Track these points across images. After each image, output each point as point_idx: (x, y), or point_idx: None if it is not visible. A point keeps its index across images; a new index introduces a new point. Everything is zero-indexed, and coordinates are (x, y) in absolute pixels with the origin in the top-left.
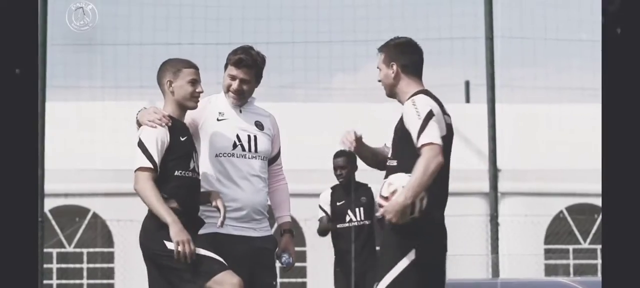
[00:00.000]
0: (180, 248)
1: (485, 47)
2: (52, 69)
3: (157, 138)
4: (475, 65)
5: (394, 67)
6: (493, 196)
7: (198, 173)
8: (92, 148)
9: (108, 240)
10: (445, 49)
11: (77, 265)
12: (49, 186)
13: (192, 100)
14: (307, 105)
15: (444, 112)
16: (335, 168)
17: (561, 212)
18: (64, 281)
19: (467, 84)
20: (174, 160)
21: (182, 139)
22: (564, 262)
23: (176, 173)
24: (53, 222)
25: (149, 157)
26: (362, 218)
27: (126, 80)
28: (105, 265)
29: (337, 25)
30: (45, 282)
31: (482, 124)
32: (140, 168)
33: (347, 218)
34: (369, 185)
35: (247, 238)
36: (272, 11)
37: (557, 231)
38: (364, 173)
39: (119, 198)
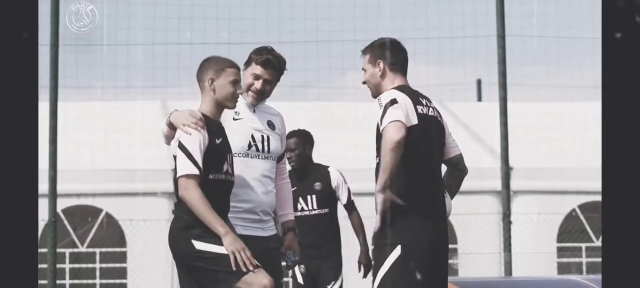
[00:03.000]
0: (238, 257)
1: (497, 45)
2: (64, 70)
3: (199, 141)
4: (487, 63)
5: (381, 64)
6: (505, 194)
7: (231, 174)
8: (104, 149)
9: (120, 240)
10: (457, 47)
11: (90, 265)
12: (61, 186)
13: (232, 100)
14: (319, 105)
15: (419, 104)
16: (286, 150)
17: (573, 210)
18: (76, 281)
19: (479, 82)
20: (209, 163)
21: (218, 141)
22: (577, 260)
23: (210, 176)
24: (65, 222)
25: (194, 163)
26: (315, 206)
27: (139, 80)
28: (117, 265)
29: (349, 23)
30: (58, 282)
31: (494, 122)
32: (187, 176)
33: (299, 207)
34: (330, 168)
35: (258, 239)
36: (284, 10)
37: (569, 229)
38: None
39: (131, 198)
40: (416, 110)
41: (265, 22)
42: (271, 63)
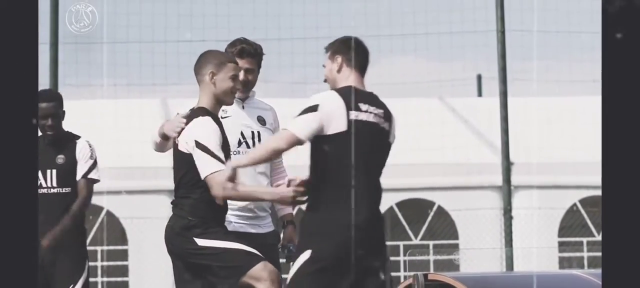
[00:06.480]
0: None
1: (497, 40)
2: (64, 68)
3: (216, 136)
4: (487, 58)
5: (339, 60)
6: (506, 189)
7: None
8: (104, 147)
9: (122, 238)
10: (456, 43)
11: (92, 263)
12: None
13: (230, 96)
14: None
15: (356, 109)
16: (43, 116)
17: (575, 204)
18: None
19: (479, 77)
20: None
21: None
22: (578, 254)
23: None
24: None
25: (218, 159)
26: (54, 183)
27: (138, 78)
28: (119, 263)
29: (348, 20)
30: None
31: (495, 117)
32: (216, 173)
33: (41, 183)
34: (79, 139)
35: (254, 235)
36: (283, 6)
37: (570, 224)
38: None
39: (132, 196)
40: (348, 115)
41: (265, 19)
42: (247, 51)
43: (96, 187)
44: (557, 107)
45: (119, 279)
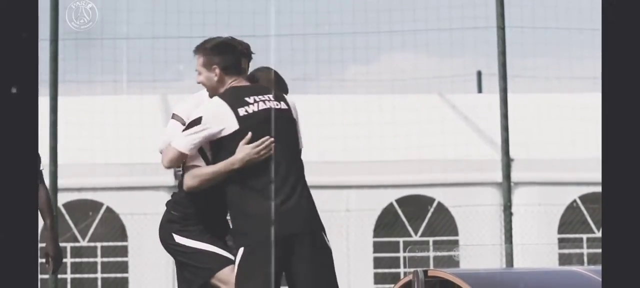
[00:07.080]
0: (260, 148)
1: (497, 36)
2: (64, 64)
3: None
4: (487, 55)
5: (216, 70)
6: (506, 186)
7: None
8: (104, 143)
9: (122, 234)
10: (456, 39)
11: (91, 259)
12: (62, 181)
13: None
14: (319, 97)
15: (243, 104)
16: None
17: (574, 201)
18: (78, 275)
19: (479, 74)
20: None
21: None
22: (578, 251)
23: None
24: (67, 217)
25: (204, 157)
26: None
27: (138, 74)
28: (119, 259)
29: (348, 16)
30: (59, 276)
31: (495, 114)
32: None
33: None
34: None
35: None
36: (283, 3)
37: (570, 220)
38: None
39: (132, 192)
40: (237, 114)
41: (264, 16)
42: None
43: (97, 182)
44: (557, 103)
45: (118, 275)
